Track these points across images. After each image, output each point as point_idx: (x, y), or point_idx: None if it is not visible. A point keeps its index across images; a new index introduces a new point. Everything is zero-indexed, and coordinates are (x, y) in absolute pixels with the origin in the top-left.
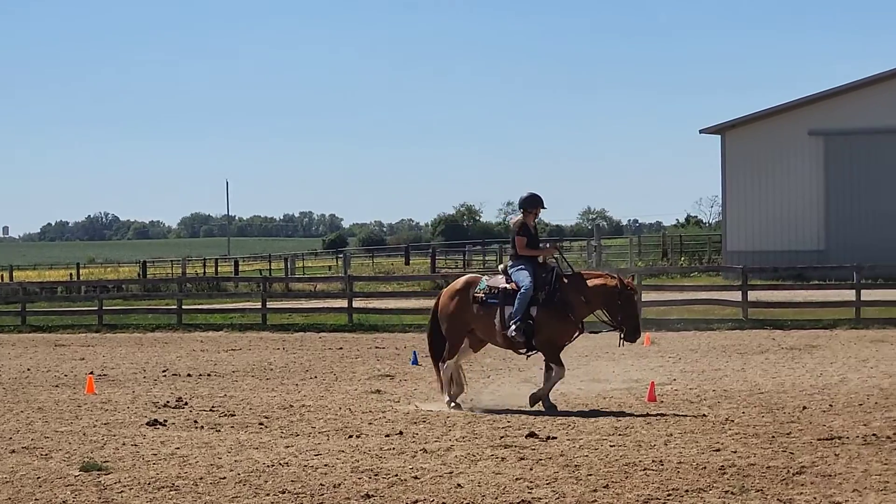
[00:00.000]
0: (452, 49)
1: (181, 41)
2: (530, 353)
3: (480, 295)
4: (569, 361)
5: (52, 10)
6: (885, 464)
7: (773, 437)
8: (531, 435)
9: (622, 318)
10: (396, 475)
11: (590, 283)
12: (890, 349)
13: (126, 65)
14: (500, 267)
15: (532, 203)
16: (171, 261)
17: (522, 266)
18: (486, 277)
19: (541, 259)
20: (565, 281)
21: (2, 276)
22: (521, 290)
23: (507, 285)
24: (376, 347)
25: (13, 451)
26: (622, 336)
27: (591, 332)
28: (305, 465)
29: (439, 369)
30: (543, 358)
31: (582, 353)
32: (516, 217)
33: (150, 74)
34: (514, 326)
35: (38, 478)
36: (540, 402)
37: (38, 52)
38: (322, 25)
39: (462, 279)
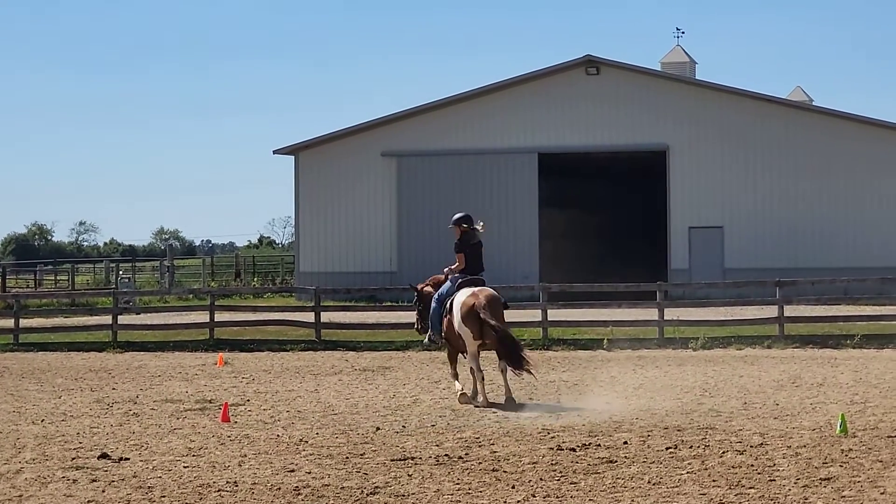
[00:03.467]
0: (11, 61)
1: None
2: None
3: None
4: (142, 381)
5: None
6: (457, 483)
7: (348, 457)
8: (103, 456)
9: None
10: None
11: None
12: (461, 370)
13: None
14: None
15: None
16: None
17: None
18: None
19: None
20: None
21: None
22: None
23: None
24: None
25: None
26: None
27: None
28: None
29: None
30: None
31: (155, 373)
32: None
33: None
34: None
35: None
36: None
37: None
38: None
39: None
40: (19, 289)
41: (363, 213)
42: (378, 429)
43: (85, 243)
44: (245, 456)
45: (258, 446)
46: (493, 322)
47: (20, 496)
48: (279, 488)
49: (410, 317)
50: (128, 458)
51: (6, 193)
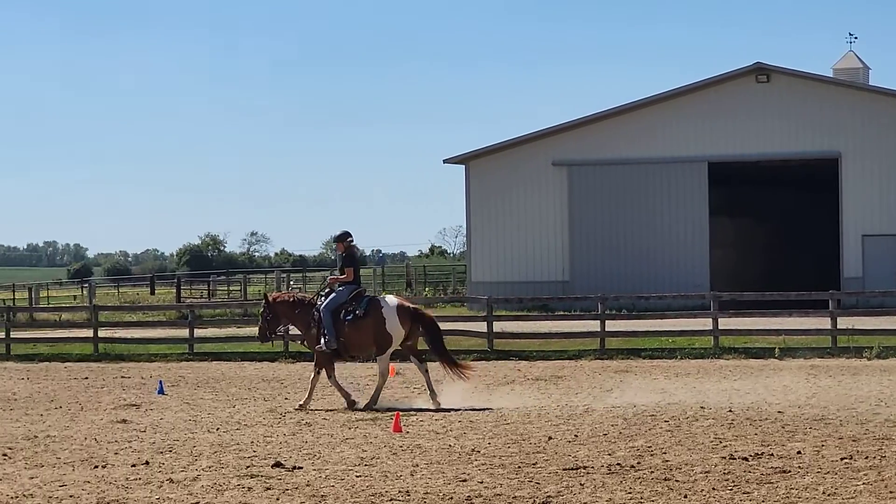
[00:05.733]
0: (186, 78)
1: None
2: None
3: None
4: (315, 391)
5: None
6: (629, 492)
7: (520, 467)
8: (277, 465)
9: None
10: None
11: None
12: (633, 379)
13: None
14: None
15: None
16: None
17: None
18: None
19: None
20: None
21: None
22: None
23: None
24: (122, 377)
25: None
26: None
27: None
28: (50, 497)
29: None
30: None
31: (327, 383)
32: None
33: None
34: None
35: None
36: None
37: None
38: (45, 48)
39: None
40: (193, 299)
41: (534, 222)
42: (550, 438)
43: (256, 253)
44: (417, 466)
45: (430, 456)
46: (434, 320)
47: (197, 503)
48: (451, 498)
49: (585, 325)
50: (301, 467)
51: (182, 206)
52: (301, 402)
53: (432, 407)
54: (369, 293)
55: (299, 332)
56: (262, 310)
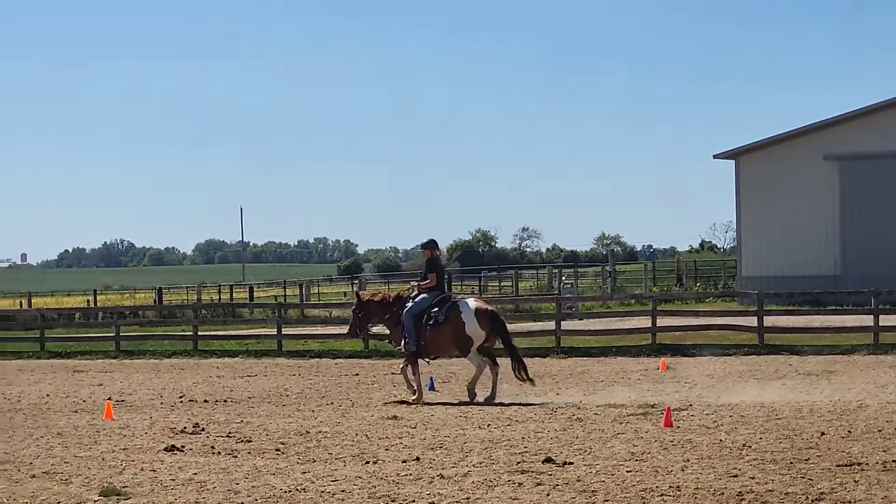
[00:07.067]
0: (460, 78)
1: (189, 65)
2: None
3: None
4: (585, 386)
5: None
6: None
7: (792, 463)
8: (548, 460)
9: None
10: (413, 501)
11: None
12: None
13: (135, 96)
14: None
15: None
16: (187, 287)
17: None
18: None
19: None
20: None
21: (20, 302)
22: None
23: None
24: (392, 373)
25: (33, 476)
26: None
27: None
28: (322, 491)
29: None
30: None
31: (598, 378)
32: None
33: (162, 101)
34: None
35: (58, 503)
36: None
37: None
38: (314, 51)
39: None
40: (464, 294)
41: (805, 216)
42: (823, 434)
43: (527, 249)
44: (688, 461)
45: (701, 451)
46: (506, 325)
47: (468, 498)
48: (722, 493)
49: (857, 320)
50: (572, 463)
51: (452, 202)
52: (413, 398)
53: (481, 401)
54: (454, 298)
55: (388, 331)
56: (354, 308)
